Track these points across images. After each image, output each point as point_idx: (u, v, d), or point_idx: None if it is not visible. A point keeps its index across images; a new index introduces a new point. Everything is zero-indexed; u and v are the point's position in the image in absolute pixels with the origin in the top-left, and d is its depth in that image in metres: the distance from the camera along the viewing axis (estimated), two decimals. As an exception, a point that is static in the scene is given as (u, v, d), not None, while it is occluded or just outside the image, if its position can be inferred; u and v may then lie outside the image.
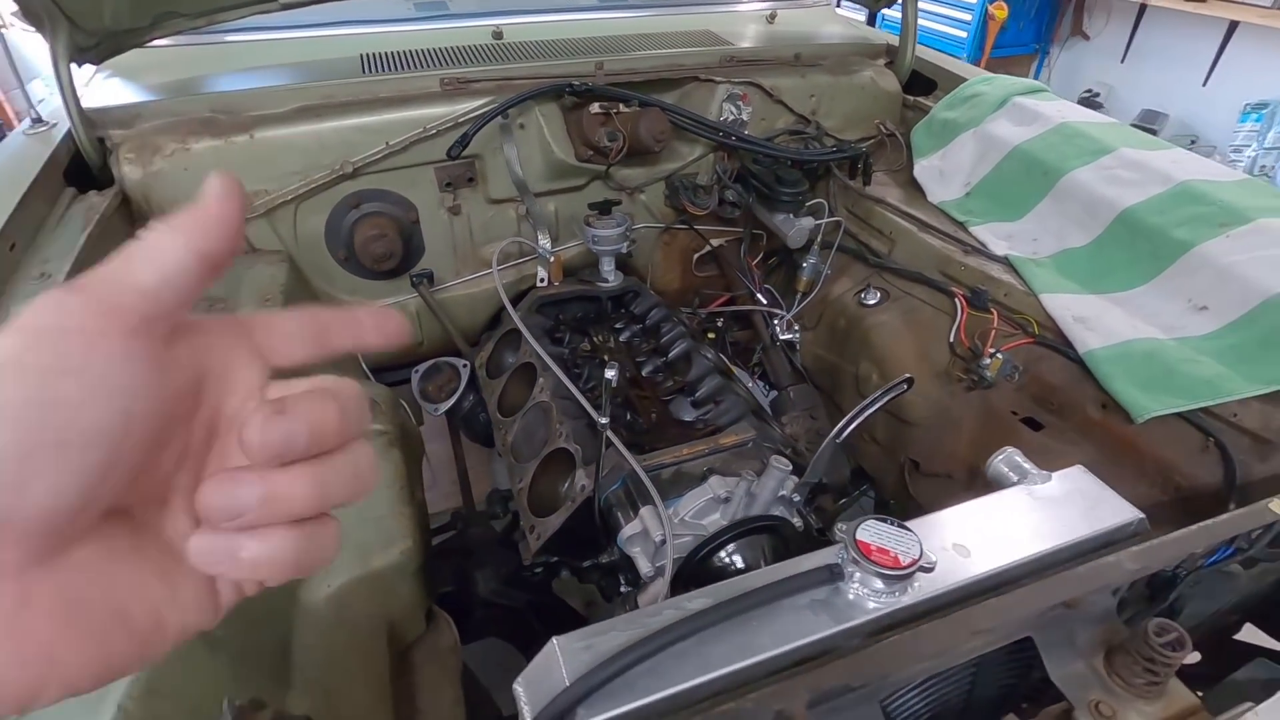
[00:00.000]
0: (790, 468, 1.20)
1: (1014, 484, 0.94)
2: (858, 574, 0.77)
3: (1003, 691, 0.87)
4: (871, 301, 1.79)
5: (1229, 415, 1.22)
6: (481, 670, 1.47)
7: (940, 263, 1.68)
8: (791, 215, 1.83)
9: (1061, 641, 0.79)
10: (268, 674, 0.97)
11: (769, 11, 2.25)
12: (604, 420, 1.24)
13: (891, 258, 1.82)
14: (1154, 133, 4.55)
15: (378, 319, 0.37)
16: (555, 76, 1.72)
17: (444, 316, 1.86)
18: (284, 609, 1.07)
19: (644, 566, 1.19)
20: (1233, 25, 4.35)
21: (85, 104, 1.53)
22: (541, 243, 1.86)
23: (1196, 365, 1.26)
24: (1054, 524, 0.86)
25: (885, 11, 2.37)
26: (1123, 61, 5.08)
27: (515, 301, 1.90)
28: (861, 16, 2.51)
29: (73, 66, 1.51)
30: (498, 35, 1.91)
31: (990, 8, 4.95)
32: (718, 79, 1.86)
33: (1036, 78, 5.64)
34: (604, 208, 1.79)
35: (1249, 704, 0.68)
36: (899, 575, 0.75)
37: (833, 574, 0.77)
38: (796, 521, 1.26)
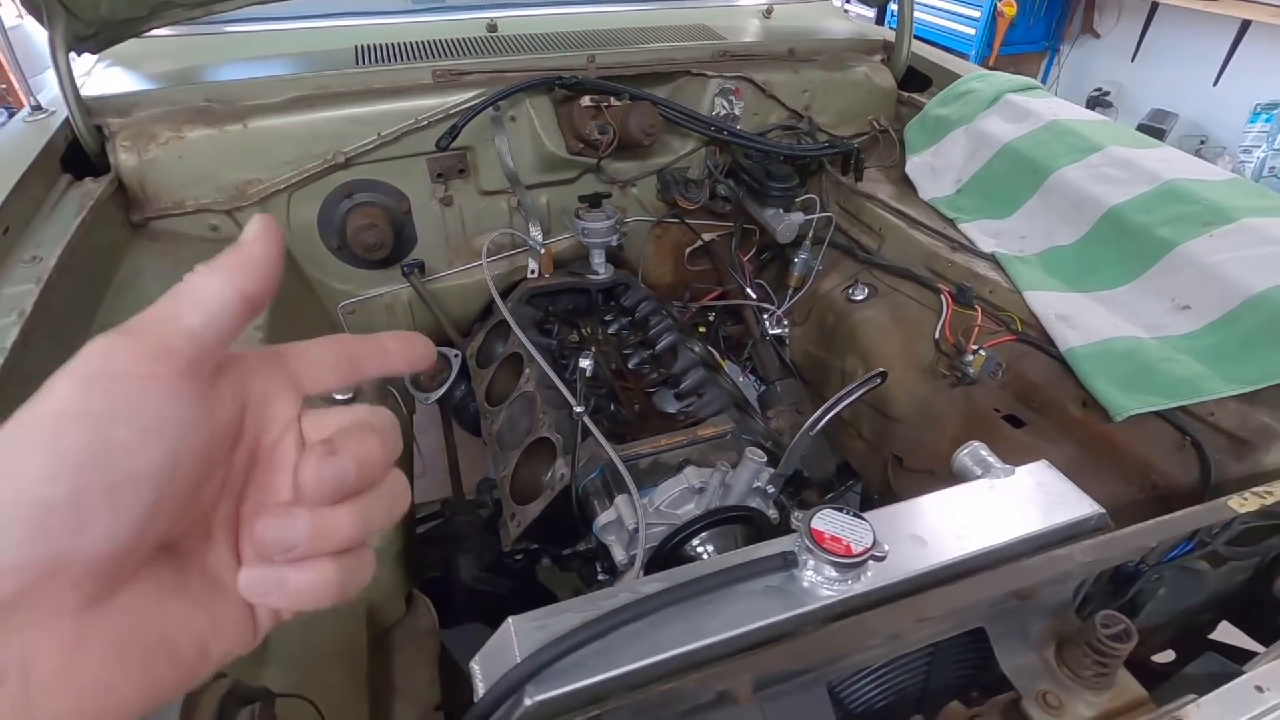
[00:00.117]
0: (765, 459, 1.21)
1: (978, 477, 0.95)
2: (811, 562, 0.78)
3: (959, 681, 0.88)
4: (859, 297, 1.79)
5: (1206, 414, 1.22)
6: (462, 653, 1.49)
7: (928, 259, 1.69)
8: (781, 210, 1.83)
9: (1014, 633, 0.80)
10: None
11: (765, 6, 2.25)
12: (579, 409, 1.25)
13: (881, 254, 1.82)
14: (1163, 133, 4.54)
15: (403, 345, 0.38)
16: (547, 69, 1.73)
17: (435, 306, 1.88)
18: (262, 588, 1.09)
19: (618, 554, 1.21)
20: (1245, 24, 4.29)
21: (86, 92, 1.56)
22: (533, 235, 1.88)
23: (1176, 364, 1.26)
24: (1013, 517, 0.86)
25: (893, 7, 2.36)
26: (1133, 60, 5.02)
27: (506, 293, 1.92)
28: (870, 13, 2.50)
29: (72, 56, 1.54)
30: (492, 28, 1.93)
31: (999, 4, 4.91)
32: (710, 73, 1.86)
33: (1046, 76, 5.59)
34: (594, 200, 1.80)
35: (1191, 696, 0.68)
36: (850, 563, 0.76)
37: (786, 561, 0.78)
38: (772, 513, 1.27)
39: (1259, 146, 4.26)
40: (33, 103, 1.57)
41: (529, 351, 1.55)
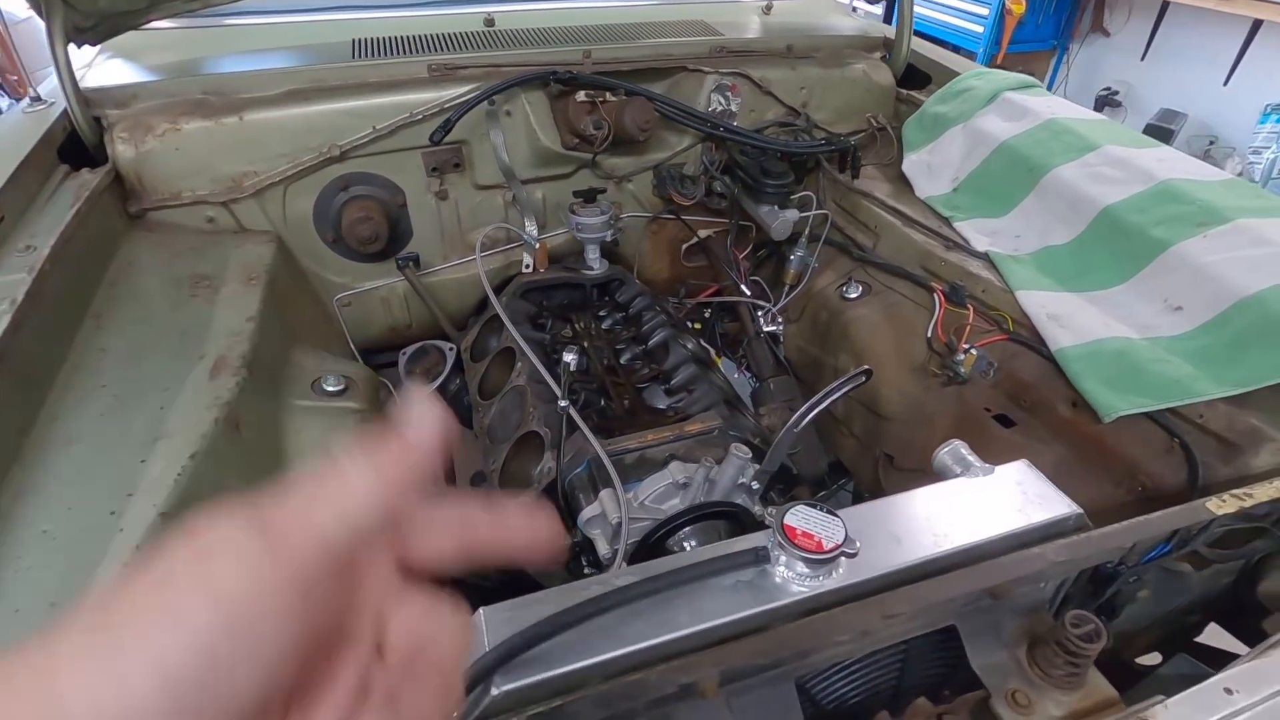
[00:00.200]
0: (750, 455, 1.21)
1: (957, 476, 0.95)
2: (783, 557, 0.78)
3: (933, 679, 0.88)
4: (853, 295, 1.79)
5: (1195, 416, 1.21)
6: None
7: (922, 258, 1.68)
8: (776, 207, 1.83)
9: (986, 631, 0.80)
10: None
11: (765, 3, 2.24)
12: (563, 402, 1.26)
13: (875, 252, 1.82)
14: (1171, 133, 4.50)
15: (529, 530, 0.34)
16: (543, 64, 1.73)
17: (430, 300, 1.88)
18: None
19: (602, 549, 1.22)
20: (1256, 24, 4.24)
21: (87, 84, 1.58)
22: (528, 229, 1.88)
23: (1166, 365, 1.25)
24: (990, 516, 0.86)
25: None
26: (1143, 59, 4.98)
27: (501, 287, 1.93)
28: (879, 9, 2.49)
29: (71, 48, 1.56)
30: (489, 22, 1.93)
31: (1008, 2, 4.87)
32: (706, 69, 1.86)
33: (1054, 74, 5.55)
34: (589, 196, 1.81)
35: (1160, 697, 0.68)
36: (821, 559, 0.76)
37: (758, 556, 0.78)
38: (757, 510, 1.27)
39: (1269, 147, 4.22)
40: (32, 94, 1.58)
41: (519, 345, 1.55)
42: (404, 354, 1.96)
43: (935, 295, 1.59)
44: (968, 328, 1.51)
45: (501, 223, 1.89)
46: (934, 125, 1.88)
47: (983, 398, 1.51)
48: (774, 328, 1.95)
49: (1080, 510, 0.88)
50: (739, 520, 1.23)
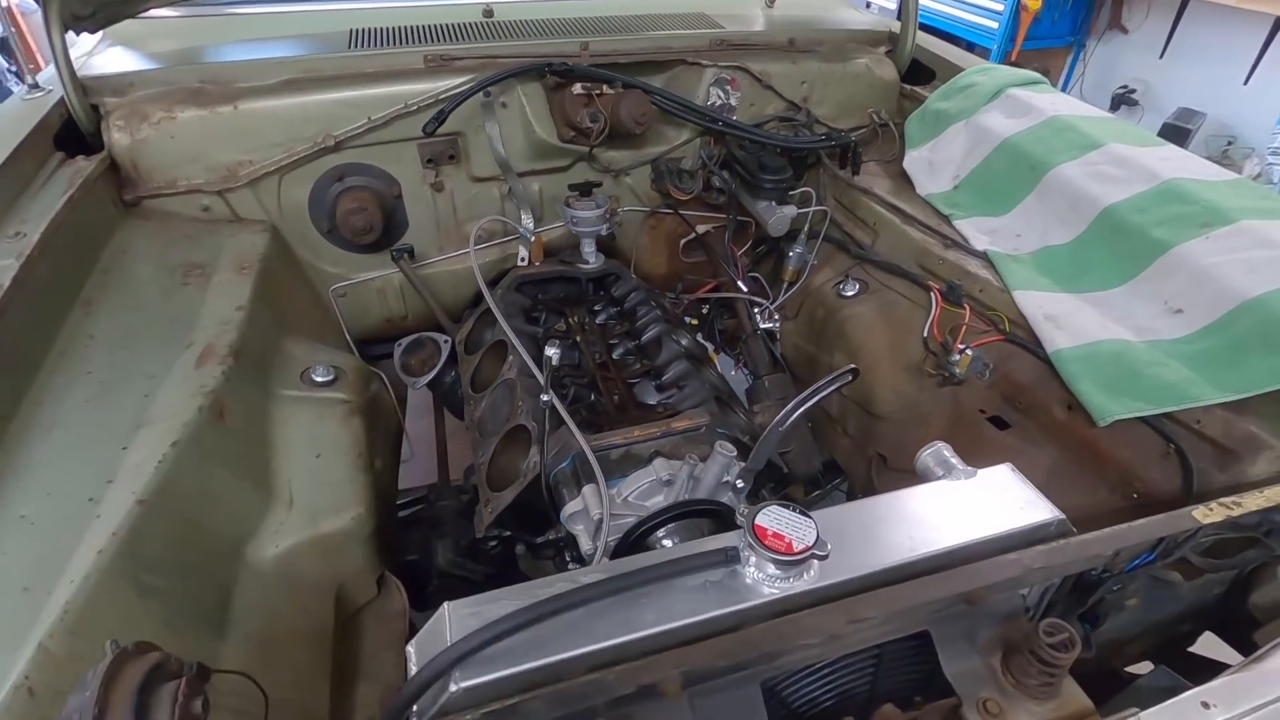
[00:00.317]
0: (735, 453, 1.19)
1: (939, 478, 0.93)
2: (753, 558, 0.77)
3: (908, 684, 0.86)
4: (850, 293, 1.77)
5: (1192, 422, 1.19)
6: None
7: (919, 256, 1.66)
8: (773, 203, 1.81)
9: (960, 638, 0.79)
10: (201, 624, 1.01)
11: (769, -5, 2.21)
12: (546, 397, 1.25)
13: (874, 249, 1.79)
14: (1189, 133, 4.41)
15: None
16: (541, 56, 1.72)
17: (425, 292, 1.88)
18: (227, 564, 1.10)
19: (585, 544, 1.21)
20: (1278, 22, 4.15)
21: (87, 72, 1.58)
22: (525, 222, 1.87)
23: (1163, 369, 1.22)
24: (969, 520, 0.85)
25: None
26: (1161, 57, 4.88)
27: (497, 280, 1.92)
28: (893, 4, 2.46)
29: (70, 35, 1.56)
30: (488, 13, 1.92)
31: (1024, -3, 4.79)
32: (705, 62, 1.84)
33: (1070, 72, 5.46)
34: (584, 189, 1.79)
35: (1134, 709, 0.67)
36: (791, 561, 0.75)
37: (728, 557, 0.77)
38: (743, 508, 1.25)
39: (1289, 148, 4.12)
40: (30, 81, 1.59)
41: (509, 339, 1.54)
42: (399, 345, 1.96)
43: (932, 294, 1.57)
44: (964, 327, 1.48)
45: (497, 215, 1.88)
46: (936, 122, 1.85)
47: (978, 399, 1.49)
48: (770, 325, 1.94)
49: (1062, 516, 0.86)
50: (722, 519, 1.21)
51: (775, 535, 0.76)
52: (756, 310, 1.94)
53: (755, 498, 1.58)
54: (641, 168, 1.96)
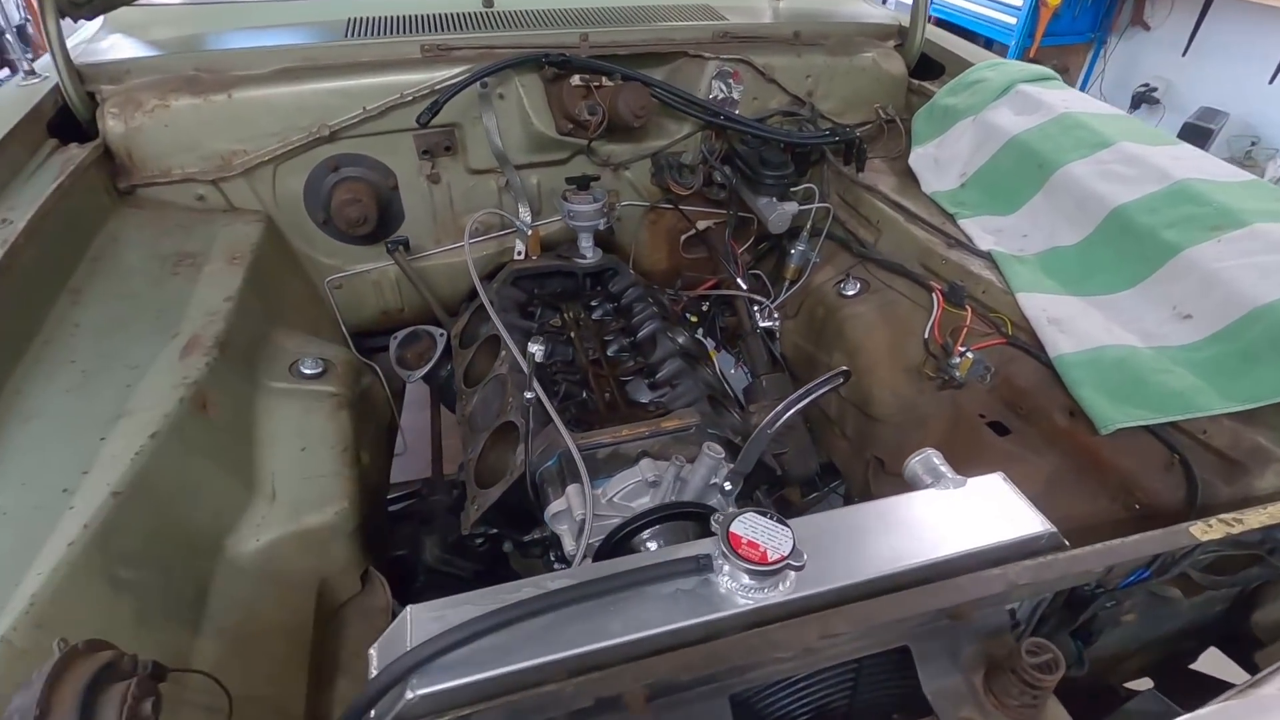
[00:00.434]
0: (723, 455, 1.17)
1: (927, 486, 0.90)
2: (727, 567, 0.74)
3: (889, 700, 0.84)
4: (850, 292, 1.73)
5: (1198, 432, 1.15)
6: (421, 634, 1.49)
7: (922, 255, 1.62)
8: (774, 199, 1.77)
9: (941, 654, 0.76)
10: (175, 618, 1.00)
11: (776, -14, 2.17)
12: (529, 394, 1.22)
13: (876, 248, 1.75)
14: (1210, 132, 4.31)
15: None
16: (539, 47, 1.69)
17: (421, 284, 1.86)
18: (205, 557, 1.09)
19: (568, 545, 1.19)
20: (1307, 19, 4.04)
21: (83, 59, 1.58)
22: (522, 215, 1.85)
23: (1169, 376, 1.18)
24: (956, 532, 0.81)
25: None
26: (1184, 55, 4.77)
27: (494, 274, 1.90)
28: None
29: (67, 22, 1.55)
30: (488, 3, 1.89)
31: (1043, -8, 4.70)
32: (707, 55, 1.80)
33: (1090, 69, 5.35)
34: (582, 183, 1.77)
35: (1119, 734, 0.64)
36: (765, 571, 0.72)
37: (700, 565, 0.74)
38: (718, 516, 1.23)
39: (1315, 150, 4.02)
40: (26, 67, 1.58)
41: (501, 334, 1.52)
42: (395, 338, 1.94)
43: (934, 295, 1.53)
44: (965, 329, 1.45)
45: (494, 208, 1.86)
46: (943, 118, 1.80)
47: (978, 403, 1.45)
48: (770, 323, 1.90)
49: (1053, 529, 0.82)
50: (708, 522, 1.18)
51: (750, 544, 0.74)
52: (756, 308, 1.91)
53: (749, 500, 1.56)
54: (642, 162, 1.92)
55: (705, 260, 2.14)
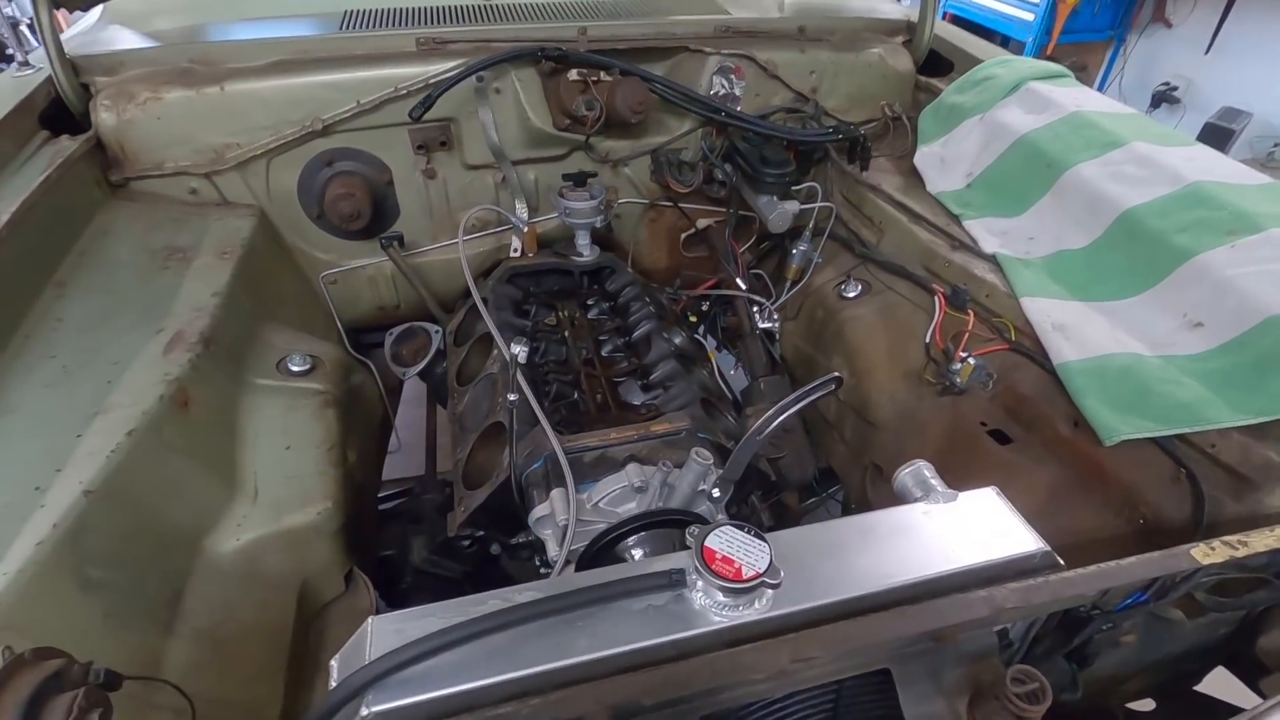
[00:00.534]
0: (712, 460, 1.14)
1: (916, 500, 0.87)
2: (700, 583, 0.71)
3: (871, 722, 0.80)
4: (851, 294, 1.69)
5: (1207, 445, 1.10)
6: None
7: (925, 257, 1.57)
8: (775, 198, 1.73)
9: (924, 677, 0.72)
10: (147, 620, 0.98)
11: (782, -21, 2.12)
12: (513, 396, 1.20)
13: (879, 248, 1.71)
14: (1232, 133, 4.21)
15: None
16: (536, 41, 1.66)
17: (416, 280, 1.84)
18: (182, 557, 1.08)
19: (552, 550, 1.16)
20: (1336, 16, 3.93)
21: (88, 50, 1.57)
22: (519, 212, 1.83)
23: (1177, 387, 1.14)
24: (944, 549, 0.78)
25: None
26: (1207, 53, 4.66)
27: (490, 271, 1.88)
28: None
29: (64, 13, 1.55)
30: (487, -5, 1.87)
31: (1063, -12, 4.61)
32: (708, 50, 1.76)
33: (1109, 67, 5.24)
34: (579, 179, 1.74)
35: (1108, 771, 0.60)
36: (739, 589, 0.69)
37: (673, 580, 0.72)
38: (721, 518, 1.20)
39: (1341, 151, 3.91)
40: (20, 58, 1.57)
41: (493, 332, 1.50)
42: (390, 335, 1.93)
43: (936, 298, 1.49)
44: (967, 334, 1.41)
45: (491, 204, 1.83)
46: (950, 116, 1.76)
47: (978, 410, 1.41)
48: (769, 324, 1.87)
49: (1047, 548, 0.79)
50: (695, 530, 1.15)
51: (724, 559, 0.71)
52: (755, 309, 1.88)
53: (744, 504, 1.53)
54: (641, 159, 1.89)
55: (706, 259, 2.10)
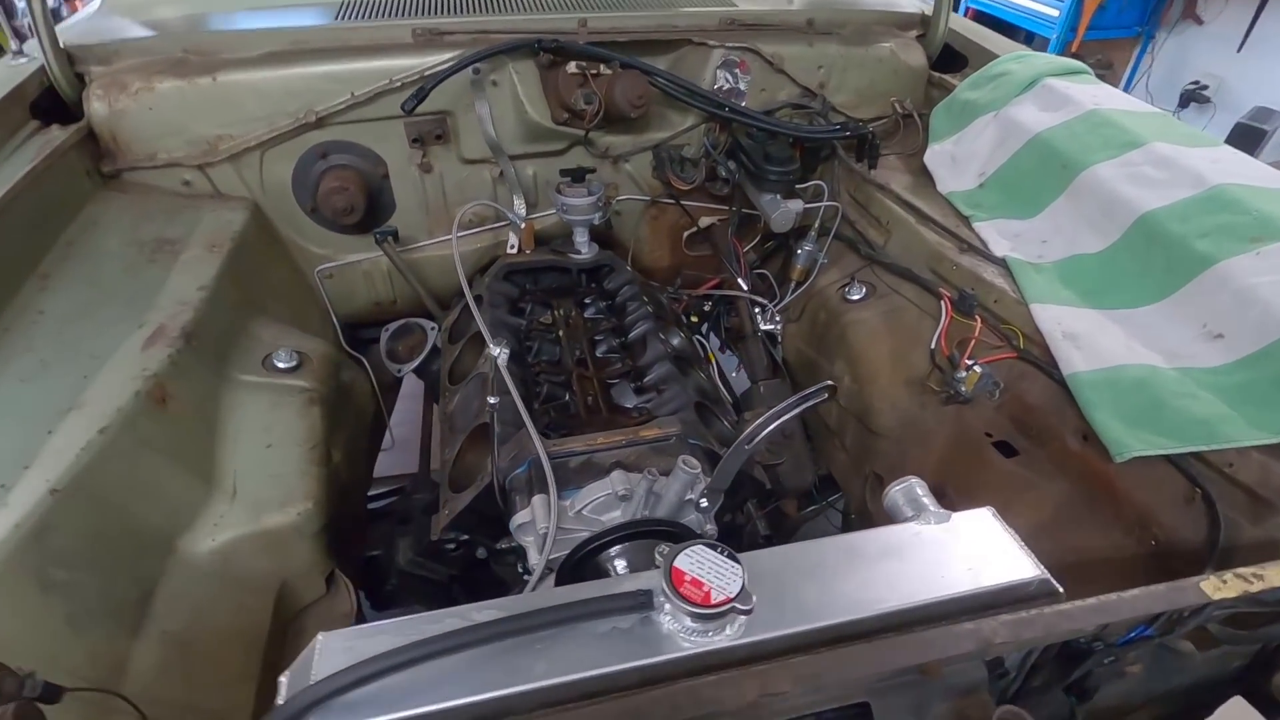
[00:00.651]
0: (699, 469, 1.09)
1: (907, 519, 0.82)
2: (668, 606, 0.67)
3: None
4: (855, 296, 1.63)
5: (1224, 465, 1.04)
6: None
7: (932, 260, 1.52)
8: (778, 196, 1.68)
9: (905, 712, 0.68)
10: (113, 622, 0.96)
11: (792, -28, 2.06)
12: (492, 400, 1.16)
13: (885, 250, 1.65)
14: (1264, 134, 4.07)
15: None
16: (534, 32, 1.62)
17: (411, 276, 1.81)
18: (154, 557, 1.06)
19: (533, 558, 1.12)
20: (1376, 13, 3.78)
21: (86, 39, 1.55)
22: (516, 208, 1.79)
23: (1193, 402, 1.08)
24: (932, 574, 0.73)
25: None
26: (1239, 50, 4.51)
27: (487, 268, 1.84)
28: None
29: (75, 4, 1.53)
30: (487, -14, 1.82)
31: (1090, -17, 4.48)
32: (712, 43, 1.71)
33: (1137, 64, 5.10)
34: (577, 175, 1.70)
35: (1100, 826, 0.55)
36: (707, 614, 0.65)
37: (640, 602, 0.67)
38: (710, 528, 1.16)
39: (1378, 154, 3.76)
40: (14, 47, 1.56)
41: (483, 330, 1.46)
42: (386, 330, 1.90)
43: (942, 302, 1.43)
44: (973, 341, 1.35)
45: (488, 199, 1.80)
46: (963, 113, 1.69)
47: (984, 420, 1.35)
48: (772, 326, 1.82)
49: (1044, 575, 0.73)
50: (680, 541, 1.11)
51: (693, 582, 0.66)
52: (757, 310, 1.83)
53: (739, 513, 1.49)
54: (643, 154, 1.84)
55: (709, 258, 2.05)
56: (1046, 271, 1.37)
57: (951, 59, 1.92)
